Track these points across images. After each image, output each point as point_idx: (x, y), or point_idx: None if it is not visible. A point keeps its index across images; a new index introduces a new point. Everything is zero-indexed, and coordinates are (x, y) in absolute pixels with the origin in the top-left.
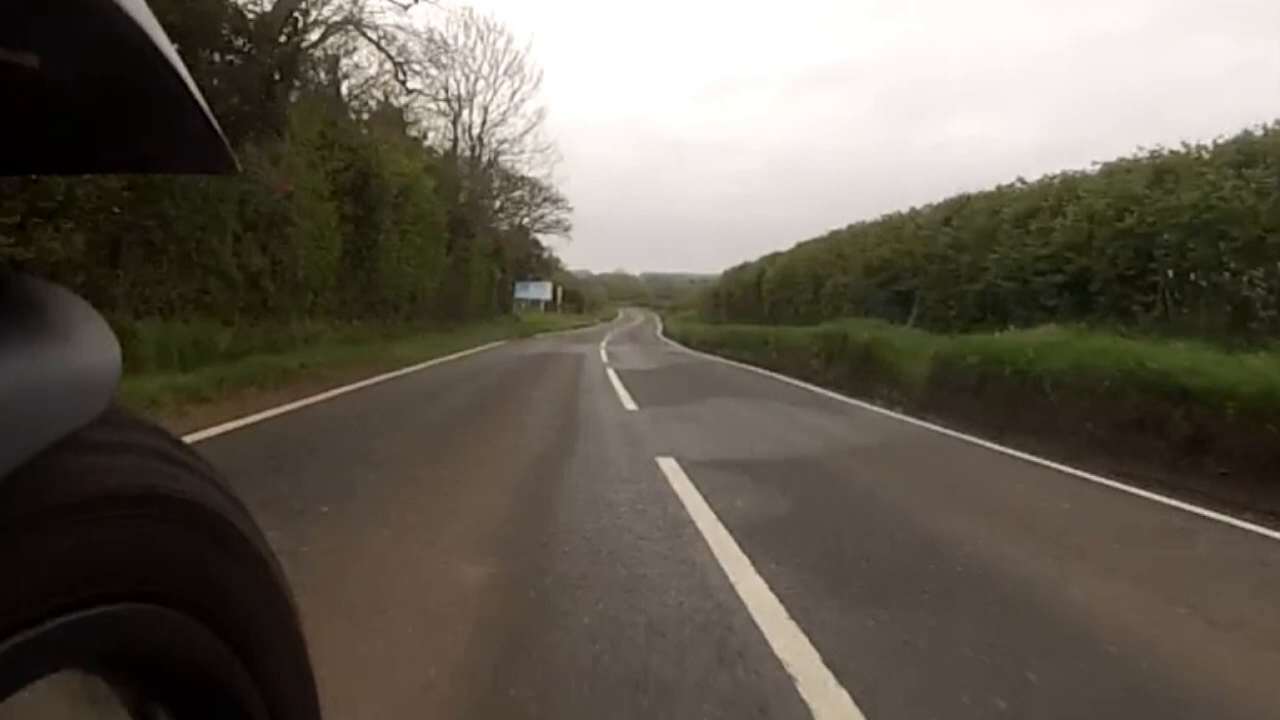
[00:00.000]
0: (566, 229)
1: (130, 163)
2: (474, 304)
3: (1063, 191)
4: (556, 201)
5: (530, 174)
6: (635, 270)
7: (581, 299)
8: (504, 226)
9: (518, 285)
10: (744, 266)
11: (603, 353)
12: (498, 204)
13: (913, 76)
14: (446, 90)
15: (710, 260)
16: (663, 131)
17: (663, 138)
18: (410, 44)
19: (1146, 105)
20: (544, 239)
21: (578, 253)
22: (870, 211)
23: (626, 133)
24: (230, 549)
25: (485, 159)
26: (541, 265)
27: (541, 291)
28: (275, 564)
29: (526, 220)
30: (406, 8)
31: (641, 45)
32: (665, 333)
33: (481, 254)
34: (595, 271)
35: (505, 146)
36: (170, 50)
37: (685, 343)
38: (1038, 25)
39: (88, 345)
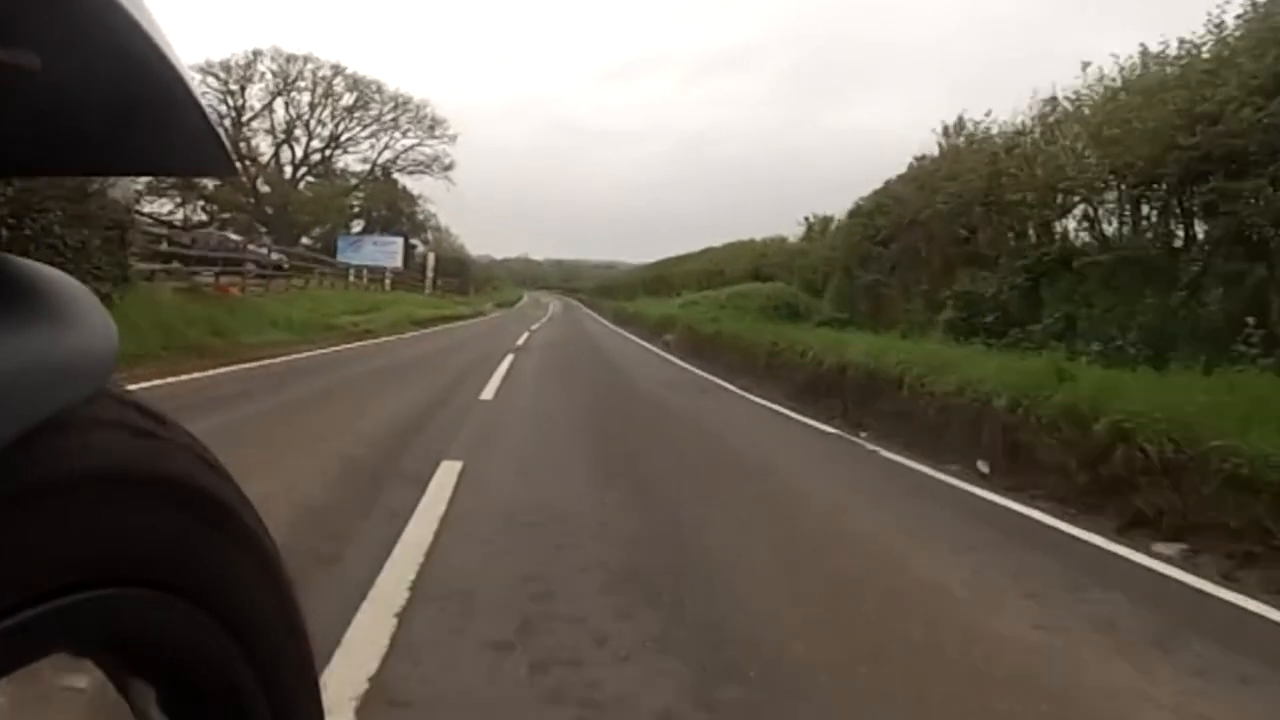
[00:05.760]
0: (447, 168)
1: (130, 164)
2: None
3: None
4: (433, 126)
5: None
6: (539, 256)
7: (468, 275)
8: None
9: (342, 242)
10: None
11: None
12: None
13: (819, 57)
14: None
15: (616, 247)
16: (568, 117)
17: (569, 123)
18: None
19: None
20: (416, 185)
21: (482, 238)
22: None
23: (530, 118)
24: (225, 529)
25: None
26: (414, 225)
27: (385, 255)
28: (271, 543)
29: (388, 154)
30: None
31: (541, 28)
32: (662, 348)
33: None
34: (498, 256)
35: None
36: (172, 51)
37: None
38: (936, 6)
39: (84, 326)
